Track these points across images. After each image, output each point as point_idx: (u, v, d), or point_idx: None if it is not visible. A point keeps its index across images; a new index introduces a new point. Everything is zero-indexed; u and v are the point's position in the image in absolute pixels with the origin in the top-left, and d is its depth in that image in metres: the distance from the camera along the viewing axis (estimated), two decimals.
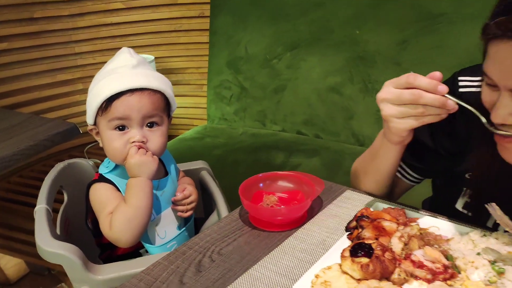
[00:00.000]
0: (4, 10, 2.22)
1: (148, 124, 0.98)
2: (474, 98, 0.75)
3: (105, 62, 1.10)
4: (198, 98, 2.49)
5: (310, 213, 0.89)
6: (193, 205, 1.07)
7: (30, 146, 1.25)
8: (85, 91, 2.52)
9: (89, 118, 0.98)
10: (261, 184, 0.93)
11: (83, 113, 2.46)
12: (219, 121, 2.25)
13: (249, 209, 0.88)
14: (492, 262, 0.69)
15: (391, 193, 0.99)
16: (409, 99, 0.73)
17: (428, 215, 0.84)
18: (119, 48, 2.53)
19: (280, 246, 0.80)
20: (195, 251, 0.80)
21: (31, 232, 1.70)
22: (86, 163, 1.23)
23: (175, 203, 1.06)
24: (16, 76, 2.30)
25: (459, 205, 0.91)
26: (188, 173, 1.24)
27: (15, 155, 1.21)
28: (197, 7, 2.39)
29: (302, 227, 0.85)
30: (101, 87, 0.95)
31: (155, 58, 2.46)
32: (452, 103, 0.71)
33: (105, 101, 0.94)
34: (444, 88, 0.71)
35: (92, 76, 2.64)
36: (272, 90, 2.09)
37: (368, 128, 1.86)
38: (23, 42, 2.30)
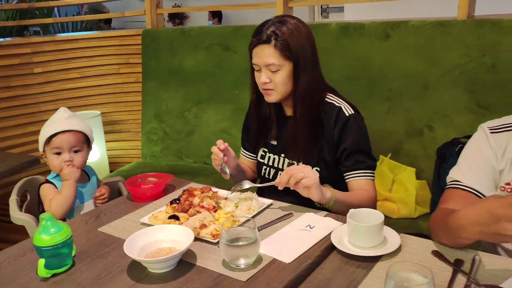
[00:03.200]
0: None
1: (74, 150, 1.62)
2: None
3: None
4: (135, 142, 3.05)
5: (166, 192, 1.55)
6: (105, 200, 1.70)
7: (7, 169, 1.88)
8: None
9: (40, 148, 1.61)
10: (139, 180, 1.59)
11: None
12: (149, 158, 2.89)
13: (130, 191, 1.53)
14: (236, 203, 1.37)
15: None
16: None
17: (224, 190, 1.52)
18: (77, 106, 3.17)
19: (144, 207, 1.45)
20: (99, 212, 1.44)
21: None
22: (40, 178, 1.86)
23: (95, 198, 1.70)
24: None
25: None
26: (111, 183, 1.89)
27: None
28: (134, 76, 3.01)
29: (159, 199, 1.51)
30: (46, 130, 1.58)
31: (104, 113, 3.03)
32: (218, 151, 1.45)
33: (48, 138, 1.57)
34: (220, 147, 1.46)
35: None
36: (185, 134, 2.73)
37: None
38: (2, 104, 2.84)
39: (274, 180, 1.59)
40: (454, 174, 1.22)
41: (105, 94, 3.10)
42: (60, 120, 1.61)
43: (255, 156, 1.68)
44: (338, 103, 1.48)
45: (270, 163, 1.61)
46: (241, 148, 1.75)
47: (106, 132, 3.07)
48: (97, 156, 2.92)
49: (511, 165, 1.15)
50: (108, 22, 7.28)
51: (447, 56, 1.86)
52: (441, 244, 1.10)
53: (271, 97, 1.48)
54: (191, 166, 2.65)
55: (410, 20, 1.99)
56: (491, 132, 1.21)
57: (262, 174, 1.64)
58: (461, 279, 0.97)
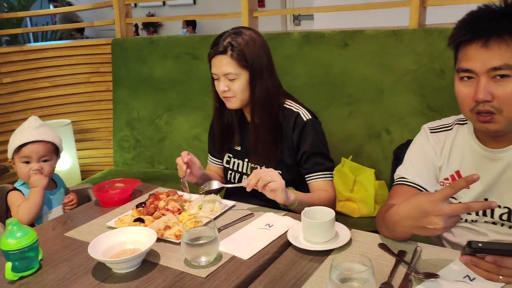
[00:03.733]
0: None
1: (43, 160, 1.66)
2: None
3: None
4: (107, 149, 3.06)
5: (133, 197, 1.59)
6: (74, 206, 1.73)
7: None
8: None
9: (9, 155, 1.64)
10: (107, 186, 1.63)
11: None
12: (122, 165, 2.90)
13: (98, 197, 1.57)
14: (200, 205, 1.43)
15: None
16: None
17: (192, 194, 1.57)
18: (48, 115, 3.14)
19: (111, 212, 1.49)
20: (66, 218, 1.47)
21: None
22: (8, 186, 1.86)
23: (64, 204, 1.73)
24: None
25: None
26: (80, 190, 1.92)
27: None
28: (104, 84, 3.01)
29: (126, 203, 1.55)
30: (16, 138, 1.62)
31: (75, 121, 3.02)
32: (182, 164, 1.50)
33: (17, 147, 1.61)
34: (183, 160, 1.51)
35: None
36: (157, 140, 2.77)
37: None
38: None
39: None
40: (400, 171, 1.31)
41: (76, 103, 3.10)
42: (30, 130, 1.63)
43: (221, 161, 1.74)
44: (296, 109, 1.56)
45: (235, 168, 1.67)
46: (208, 154, 1.81)
47: (77, 141, 3.07)
48: (68, 164, 2.92)
49: (448, 162, 1.26)
50: (81, 31, 7.22)
51: (400, 63, 1.97)
52: (386, 238, 1.18)
53: (232, 104, 1.55)
54: (163, 173, 2.68)
55: (366, 30, 2.09)
56: (431, 132, 1.31)
57: (228, 179, 1.70)
58: (403, 268, 1.05)
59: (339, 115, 2.16)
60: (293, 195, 1.41)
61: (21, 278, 1.10)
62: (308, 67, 2.22)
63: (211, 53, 1.51)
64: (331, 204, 1.54)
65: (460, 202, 1.12)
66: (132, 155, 2.86)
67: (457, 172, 1.26)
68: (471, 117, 1.14)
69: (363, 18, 3.13)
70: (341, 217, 1.96)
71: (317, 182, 1.55)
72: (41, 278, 1.11)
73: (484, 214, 1.23)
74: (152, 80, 2.76)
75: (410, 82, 1.95)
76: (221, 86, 1.51)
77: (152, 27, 8.50)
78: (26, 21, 8.09)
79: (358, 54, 2.09)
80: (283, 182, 1.35)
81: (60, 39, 6.05)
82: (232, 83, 1.49)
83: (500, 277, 0.84)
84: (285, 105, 1.58)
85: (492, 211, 1.21)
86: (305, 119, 1.54)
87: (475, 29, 1.09)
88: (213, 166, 1.80)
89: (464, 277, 0.99)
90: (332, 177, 1.57)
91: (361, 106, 2.10)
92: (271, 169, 1.39)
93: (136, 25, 8.46)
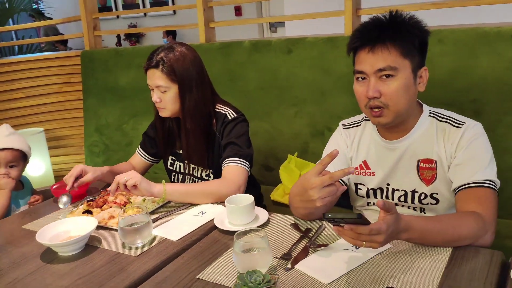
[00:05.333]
0: None
1: (10, 166, 1.81)
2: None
3: None
4: (79, 155, 3.20)
5: (89, 193, 1.75)
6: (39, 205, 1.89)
7: None
8: None
9: None
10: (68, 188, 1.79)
11: None
12: None
13: (56, 195, 1.71)
14: (144, 198, 1.59)
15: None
16: None
17: None
18: (22, 124, 3.28)
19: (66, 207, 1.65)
20: (25, 214, 1.62)
21: None
22: None
23: (30, 203, 1.88)
24: None
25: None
26: (45, 191, 2.07)
27: None
28: (75, 94, 3.16)
29: (83, 199, 1.71)
30: None
31: (48, 129, 3.17)
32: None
33: None
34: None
35: None
36: (124, 145, 2.93)
37: None
38: None
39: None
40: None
41: (48, 112, 3.24)
42: (1, 138, 1.79)
43: (153, 159, 1.92)
44: (225, 111, 1.68)
45: (178, 170, 1.83)
46: (139, 147, 1.94)
47: (51, 148, 3.20)
48: (42, 170, 3.06)
49: (357, 153, 1.44)
50: (64, 43, 7.39)
51: (336, 67, 2.15)
52: (298, 218, 1.35)
53: (163, 114, 1.67)
54: None
55: (307, 37, 2.28)
56: (344, 128, 1.50)
57: (172, 180, 1.85)
58: (305, 242, 1.22)
59: (287, 115, 2.33)
60: (158, 186, 1.47)
61: None
62: (258, 72, 2.40)
63: (145, 66, 1.63)
64: (227, 189, 1.51)
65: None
66: (102, 159, 3.01)
67: (364, 162, 1.44)
68: (366, 112, 1.32)
69: (330, 24, 3.30)
70: (288, 208, 2.11)
71: (224, 167, 1.59)
72: None
73: (386, 197, 1.41)
74: (118, 88, 2.91)
75: (346, 84, 2.13)
76: (154, 97, 1.64)
77: (134, 37, 8.69)
78: (11, 34, 8.30)
79: (301, 59, 2.27)
80: (138, 176, 1.45)
81: (45, 51, 6.24)
82: (163, 95, 1.61)
83: (363, 242, 0.99)
84: (216, 109, 1.70)
85: (393, 194, 1.40)
86: (229, 118, 1.66)
87: (364, 37, 1.27)
88: (140, 159, 1.93)
89: (352, 246, 1.16)
90: (239, 163, 1.58)
91: (306, 106, 2.28)
92: (129, 172, 1.47)
93: (118, 36, 8.67)
